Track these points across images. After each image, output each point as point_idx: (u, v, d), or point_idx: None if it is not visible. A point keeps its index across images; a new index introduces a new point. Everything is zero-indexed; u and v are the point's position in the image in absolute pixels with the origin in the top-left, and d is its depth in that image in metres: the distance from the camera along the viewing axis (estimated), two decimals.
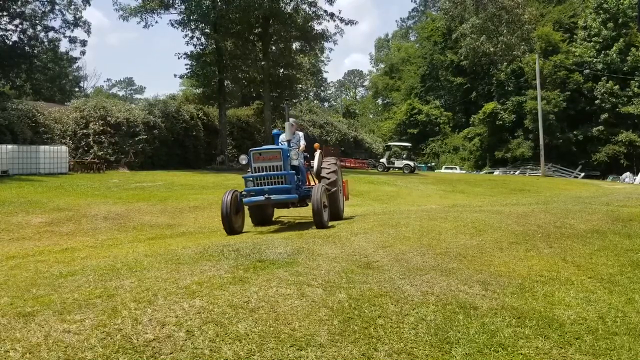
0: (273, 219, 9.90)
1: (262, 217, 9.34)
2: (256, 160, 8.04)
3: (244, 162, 8.30)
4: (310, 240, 6.27)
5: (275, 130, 9.27)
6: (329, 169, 8.95)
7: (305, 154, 9.49)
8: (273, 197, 7.77)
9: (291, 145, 8.92)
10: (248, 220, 9.03)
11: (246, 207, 8.60)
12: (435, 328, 3.37)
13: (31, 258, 6.08)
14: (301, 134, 9.53)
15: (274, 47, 32.20)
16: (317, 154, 9.53)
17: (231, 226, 7.86)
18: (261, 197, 7.81)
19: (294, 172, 8.08)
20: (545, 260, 5.34)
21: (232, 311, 3.56)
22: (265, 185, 7.95)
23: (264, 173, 7.96)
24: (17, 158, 19.36)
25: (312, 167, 9.51)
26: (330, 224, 8.17)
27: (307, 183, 9.48)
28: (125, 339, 3.09)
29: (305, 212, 9.78)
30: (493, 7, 48.76)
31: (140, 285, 4.32)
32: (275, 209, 9.63)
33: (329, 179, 8.76)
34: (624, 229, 7.11)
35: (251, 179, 8.08)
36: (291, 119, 9.26)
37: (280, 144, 9.04)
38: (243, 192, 8.23)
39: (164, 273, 4.86)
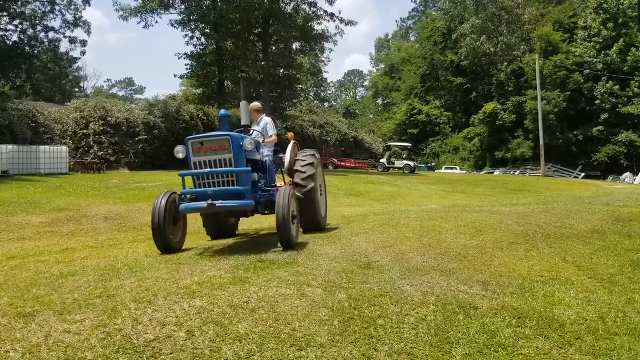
0: (237, 231, 8.06)
1: (220, 227, 7.48)
2: (196, 153, 5.84)
3: (180, 156, 6.01)
4: (310, 240, 6.27)
5: (222, 111, 6.61)
6: (304, 161, 7.06)
7: (275, 146, 7.58)
8: (219, 203, 5.58)
9: (252, 135, 7.05)
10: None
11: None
12: (435, 328, 3.37)
13: (31, 258, 6.08)
14: (268, 119, 7.48)
15: (274, 47, 32.24)
16: (289, 145, 7.63)
17: (165, 240, 5.90)
18: (203, 204, 5.62)
19: (249, 169, 6.01)
20: (545, 260, 5.34)
21: (232, 311, 3.56)
22: (208, 186, 5.81)
23: (207, 170, 5.78)
24: (17, 158, 19.36)
25: (283, 163, 7.54)
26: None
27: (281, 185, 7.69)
28: (125, 339, 3.09)
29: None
30: (493, 7, 48.89)
31: (140, 285, 4.33)
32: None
33: (303, 172, 6.88)
34: (624, 229, 7.11)
35: (192, 177, 6.00)
36: (255, 103, 7.64)
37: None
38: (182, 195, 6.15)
39: (164, 273, 4.86)
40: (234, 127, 7.08)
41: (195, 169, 5.85)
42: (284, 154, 7.57)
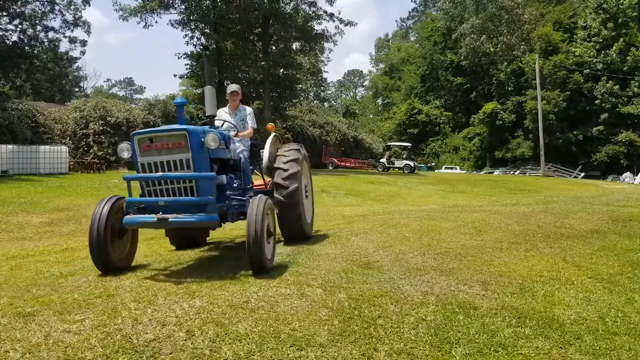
0: (209, 239, 6.93)
1: (187, 235, 6.36)
2: (144, 152, 4.62)
3: (125, 156, 4.78)
4: (310, 241, 6.27)
5: (178, 98, 5.24)
6: (286, 157, 5.99)
7: (255, 140, 6.40)
8: (172, 217, 4.43)
9: (226, 127, 5.89)
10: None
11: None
12: (435, 328, 3.37)
13: (31, 258, 6.08)
14: (250, 109, 6.32)
15: (274, 47, 32.22)
16: (269, 139, 6.44)
17: (105, 257, 4.65)
18: (151, 218, 4.46)
19: (214, 174, 4.70)
20: (545, 260, 5.34)
21: (232, 311, 3.56)
22: (160, 195, 4.62)
23: (158, 174, 4.55)
24: (17, 158, 19.36)
25: (262, 160, 6.32)
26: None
27: (260, 186, 6.55)
28: (125, 339, 3.09)
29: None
30: (493, 7, 48.87)
31: (140, 285, 4.33)
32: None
33: (285, 171, 5.85)
34: (624, 229, 7.10)
35: (140, 183, 4.77)
36: (233, 85, 6.36)
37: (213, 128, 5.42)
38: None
39: (164, 273, 4.86)
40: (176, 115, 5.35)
41: (144, 171, 4.62)
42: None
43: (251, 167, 6.15)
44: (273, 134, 6.56)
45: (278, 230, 5.83)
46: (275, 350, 2.98)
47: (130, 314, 3.55)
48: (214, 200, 4.57)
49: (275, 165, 6.00)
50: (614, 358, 3.06)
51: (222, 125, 5.92)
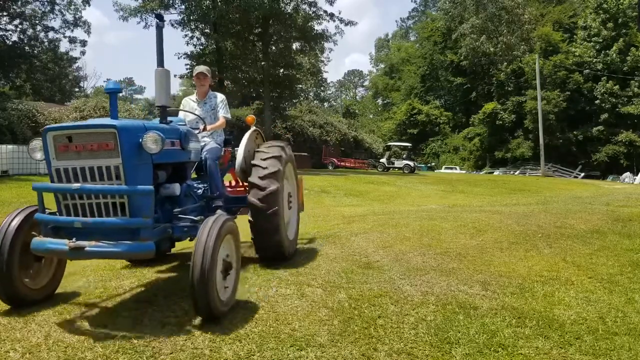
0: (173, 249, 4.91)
1: None
2: (61, 154, 3.43)
3: (38, 157, 3.60)
4: (310, 241, 6.27)
5: (110, 83, 3.70)
6: (267, 153, 4.90)
7: (230, 135, 5.52)
8: (90, 246, 3.23)
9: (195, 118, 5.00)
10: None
11: None
12: (435, 328, 3.37)
13: None
14: (221, 97, 5.32)
15: (274, 47, 32.21)
16: (247, 133, 5.35)
17: (10, 287, 3.55)
18: (62, 245, 3.25)
19: (150, 188, 3.45)
20: (545, 260, 5.34)
21: (232, 311, 3.56)
22: (76, 213, 3.44)
23: (75, 186, 3.36)
24: (17, 158, 19.33)
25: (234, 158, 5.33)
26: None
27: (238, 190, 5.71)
28: (125, 339, 3.09)
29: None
30: (493, 7, 48.85)
31: (140, 285, 4.33)
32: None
33: (264, 169, 4.74)
34: (624, 229, 7.10)
35: (55, 195, 3.53)
36: (201, 66, 5.37)
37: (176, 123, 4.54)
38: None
39: (164, 273, 4.86)
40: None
41: (59, 180, 3.43)
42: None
43: (225, 168, 5.33)
44: (253, 128, 5.48)
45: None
46: (275, 350, 2.98)
47: (130, 314, 3.55)
48: (150, 224, 3.43)
49: (253, 161, 4.86)
50: (614, 358, 3.06)
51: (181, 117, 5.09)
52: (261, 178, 4.68)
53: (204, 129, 4.87)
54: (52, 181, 3.48)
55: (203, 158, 4.71)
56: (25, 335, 3.19)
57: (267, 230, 4.71)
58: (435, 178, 26.81)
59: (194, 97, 5.32)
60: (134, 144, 3.44)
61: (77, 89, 61.89)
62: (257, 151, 5.02)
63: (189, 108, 5.23)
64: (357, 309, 3.69)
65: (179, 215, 3.96)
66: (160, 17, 4.11)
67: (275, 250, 4.87)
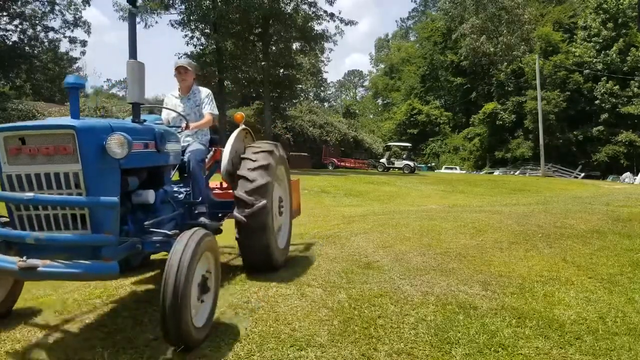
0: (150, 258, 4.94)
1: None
2: (13, 158, 2.96)
3: None
4: (311, 241, 6.27)
5: (72, 77, 3.16)
6: (254, 161, 4.39)
7: (215, 134, 5.13)
8: (43, 266, 2.77)
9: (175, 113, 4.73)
10: None
11: None
12: (435, 328, 3.37)
13: None
14: (206, 91, 4.95)
15: (274, 48, 32.23)
16: (235, 133, 4.78)
17: None
18: (11, 263, 2.78)
19: (114, 200, 2.95)
20: (545, 260, 5.34)
21: (232, 311, 3.56)
22: (30, 226, 3.02)
23: (27, 195, 2.85)
24: None
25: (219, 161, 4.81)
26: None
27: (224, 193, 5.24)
28: (125, 339, 3.09)
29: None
30: (493, 7, 48.87)
31: (140, 285, 4.33)
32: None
33: (251, 182, 4.28)
34: (624, 229, 7.10)
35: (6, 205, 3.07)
36: (181, 59, 5.12)
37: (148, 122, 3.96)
38: None
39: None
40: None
41: (11, 188, 2.96)
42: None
43: (212, 170, 4.96)
44: (242, 126, 4.97)
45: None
46: (275, 350, 2.99)
47: (130, 313, 3.55)
48: (113, 240, 2.95)
49: (239, 172, 4.37)
50: (614, 358, 3.06)
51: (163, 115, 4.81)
52: (247, 193, 4.25)
53: (187, 128, 4.49)
54: (3, 189, 2.97)
55: (186, 160, 4.34)
56: (25, 335, 3.19)
57: (254, 247, 4.34)
58: (435, 178, 26.81)
59: (176, 92, 4.96)
60: (96, 147, 2.98)
61: None
62: (248, 146, 4.65)
63: (172, 105, 4.88)
64: (357, 309, 3.69)
65: (151, 229, 3.44)
66: (132, 2, 3.60)
67: (264, 264, 4.47)
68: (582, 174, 41.95)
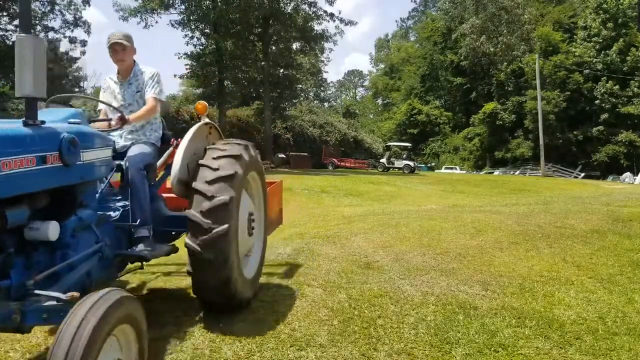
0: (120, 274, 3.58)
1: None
2: None
3: None
4: (311, 241, 6.27)
5: None
6: (216, 169, 3.23)
7: (166, 131, 3.94)
8: None
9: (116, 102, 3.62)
10: None
11: None
12: (435, 328, 3.37)
13: None
14: (151, 71, 3.72)
15: (274, 48, 32.25)
16: (192, 129, 3.65)
17: None
18: None
19: None
20: (545, 260, 5.34)
21: (232, 311, 3.56)
22: None
23: None
24: None
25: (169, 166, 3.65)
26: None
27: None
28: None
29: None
30: (493, 7, 48.82)
31: (140, 285, 4.33)
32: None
33: (209, 198, 3.12)
34: (624, 229, 7.10)
35: None
36: (116, 33, 3.57)
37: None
38: None
39: (165, 273, 4.86)
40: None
41: None
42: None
43: (163, 177, 3.87)
44: (205, 120, 3.90)
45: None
46: (275, 350, 2.98)
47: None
48: None
49: (194, 184, 3.20)
50: (614, 358, 3.06)
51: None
52: (203, 214, 3.09)
53: (123, 122, 3.32)
54: None
55: (124, 167, 3.29)
56: (25, 335, 3.19)
57: (210, 284, 3.18)
58: (435, 178, 26.81)
59: (115, 76, 3.75)
60: None
61: (77, 89, 61.87)
62: (209, 148, 3.42)
63: (110, 92, 3.72)
64: (357, 309, 3.69)
65: (35, 290, 2.26)
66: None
67: (221, 293, 3.23)
68: (582, 174, 41.94)
